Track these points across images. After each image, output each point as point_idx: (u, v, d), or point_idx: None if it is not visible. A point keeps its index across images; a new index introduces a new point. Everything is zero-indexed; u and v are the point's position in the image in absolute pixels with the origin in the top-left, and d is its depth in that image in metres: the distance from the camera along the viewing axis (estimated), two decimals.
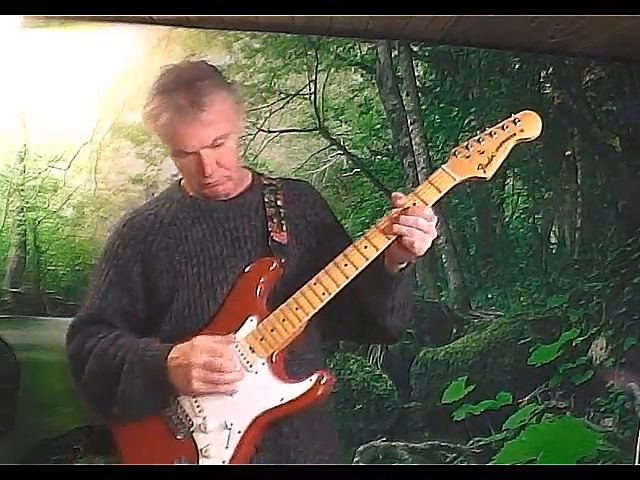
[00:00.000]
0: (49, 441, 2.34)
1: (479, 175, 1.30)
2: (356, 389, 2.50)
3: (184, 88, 1.33)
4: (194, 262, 1.40)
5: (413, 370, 2.54)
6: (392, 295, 1.36)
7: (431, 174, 1.31)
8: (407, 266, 1.33)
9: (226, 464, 1.30)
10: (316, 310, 1.32)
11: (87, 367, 1.38)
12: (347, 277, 1.30)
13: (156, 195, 1.69)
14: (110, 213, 2.42)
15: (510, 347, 2.55)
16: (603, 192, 2.59)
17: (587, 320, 2.56)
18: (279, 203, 1.47)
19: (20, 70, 2.35)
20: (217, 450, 1.30)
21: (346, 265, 1.30)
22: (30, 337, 2.40)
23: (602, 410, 2.56)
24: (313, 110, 2.51)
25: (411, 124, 2.54)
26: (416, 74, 2.53)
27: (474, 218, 2.58)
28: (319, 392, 1.30)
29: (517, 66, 2.56)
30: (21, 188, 2.41)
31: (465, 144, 1.31)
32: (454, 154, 1.30)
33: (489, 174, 1.30)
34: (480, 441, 2.53)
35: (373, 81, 2.52)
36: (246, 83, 2.46)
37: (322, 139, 2.51)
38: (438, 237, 1.29)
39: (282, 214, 1.46)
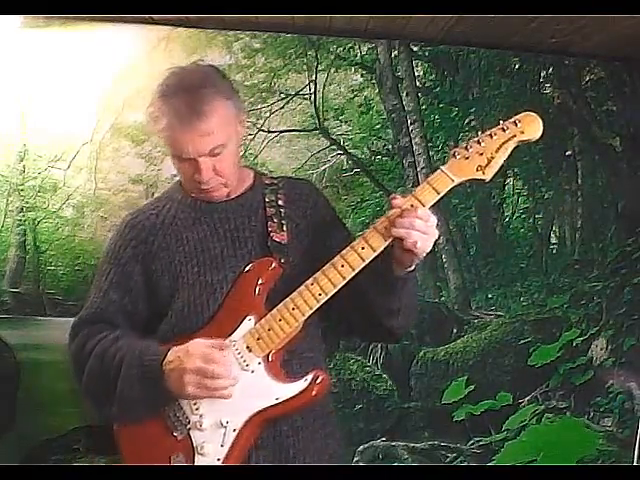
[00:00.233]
0: (49, 441, 2.34)
1: (478, 177, 1.29)
2: (356, 389, 2.50)
3: (186, 94, 1.32)
4: (194, 262, 1.41)
5: (413, 370, 2.53)
6: (398, 297, 1.36)
7: (431, 174, 1.30)
8: (414, 269, 1.32)
9: (222, 463, 1.30)
10: (312, 310, 1.32)
11: (87, 367, 1.38)
12: (344, 278, 1.30)
13: (156, 195, 1.70)
14: (110, 213, 2.42)
15: (510, 347, 2.55)
16: (603, 192, 2.59)
17: (587, 320, 2.56)
18: (280, 203, 1.47)
19: (20, 70, 2.35)
20: (212, 448, 1.31)
21: (343, 266, 1.30)
22: (30, 337, 2.39)
23: (602, 410, 2.55)
24: (313, 110, 2.50)
25: (411, 124, 2.54)
26: (416, 74, 2.53)
27: (474, 218, 2.57)
28: (314, 392, 1.31)
29: (517, 66, 2.56)
30: (21, 188, 2.40)
31: (465, 145, 1.30)
32: (453, 155, 1.30)
33: (488, 176, 1.29)
34: (480, 441, 2.53)
35: (373, 81, 2.52)
36: (246, 83, 2.45)
37: (322, 139, 2.51)
38: (438, 237, 1.28)
39: (283, 214, 1.46)
